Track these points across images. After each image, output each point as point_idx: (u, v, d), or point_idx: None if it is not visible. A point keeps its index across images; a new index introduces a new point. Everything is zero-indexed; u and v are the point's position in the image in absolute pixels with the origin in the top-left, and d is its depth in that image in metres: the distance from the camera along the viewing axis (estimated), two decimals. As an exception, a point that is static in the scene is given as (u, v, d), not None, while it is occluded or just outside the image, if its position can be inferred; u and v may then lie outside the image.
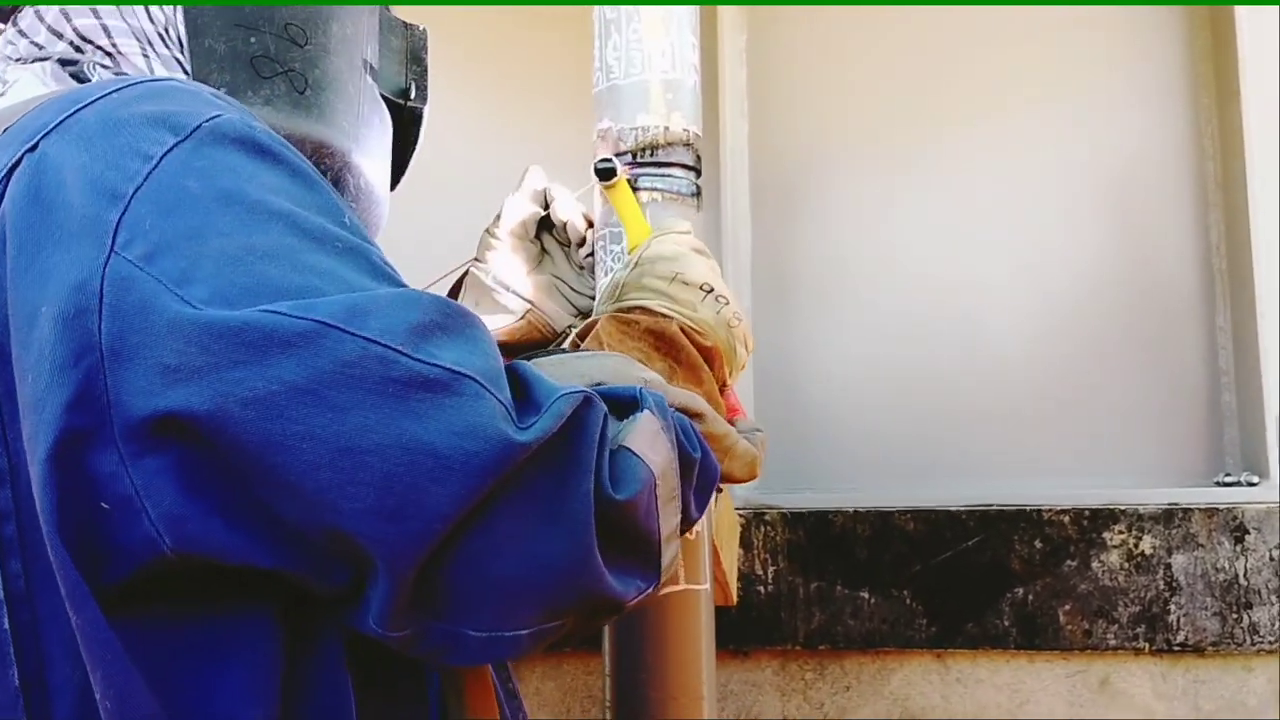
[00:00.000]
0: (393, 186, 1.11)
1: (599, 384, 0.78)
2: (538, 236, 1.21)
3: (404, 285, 0.70)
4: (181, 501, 0.62)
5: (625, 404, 0.74)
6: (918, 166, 1.93)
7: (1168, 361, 1.82)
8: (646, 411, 0.73)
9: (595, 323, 1.00)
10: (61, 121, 0.69)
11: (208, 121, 0.69)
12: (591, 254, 1.20)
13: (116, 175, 0.65)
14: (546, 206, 1.21)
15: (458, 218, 1.45)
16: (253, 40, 0.90)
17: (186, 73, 0.89)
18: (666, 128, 1.16)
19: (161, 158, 0.66)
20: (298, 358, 0.60)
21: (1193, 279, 1.84)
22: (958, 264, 1.90)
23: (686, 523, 0.78)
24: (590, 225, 1.21)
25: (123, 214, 0.64)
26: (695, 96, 1.19)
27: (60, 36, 0.88)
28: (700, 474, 0.79)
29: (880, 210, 1.94)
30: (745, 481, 0.97)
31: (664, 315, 1.00)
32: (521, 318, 1.20)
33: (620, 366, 0.85)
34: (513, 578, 0.64)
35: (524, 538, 0.64)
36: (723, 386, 1.03)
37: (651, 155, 1.16)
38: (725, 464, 0.90)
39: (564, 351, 0.91)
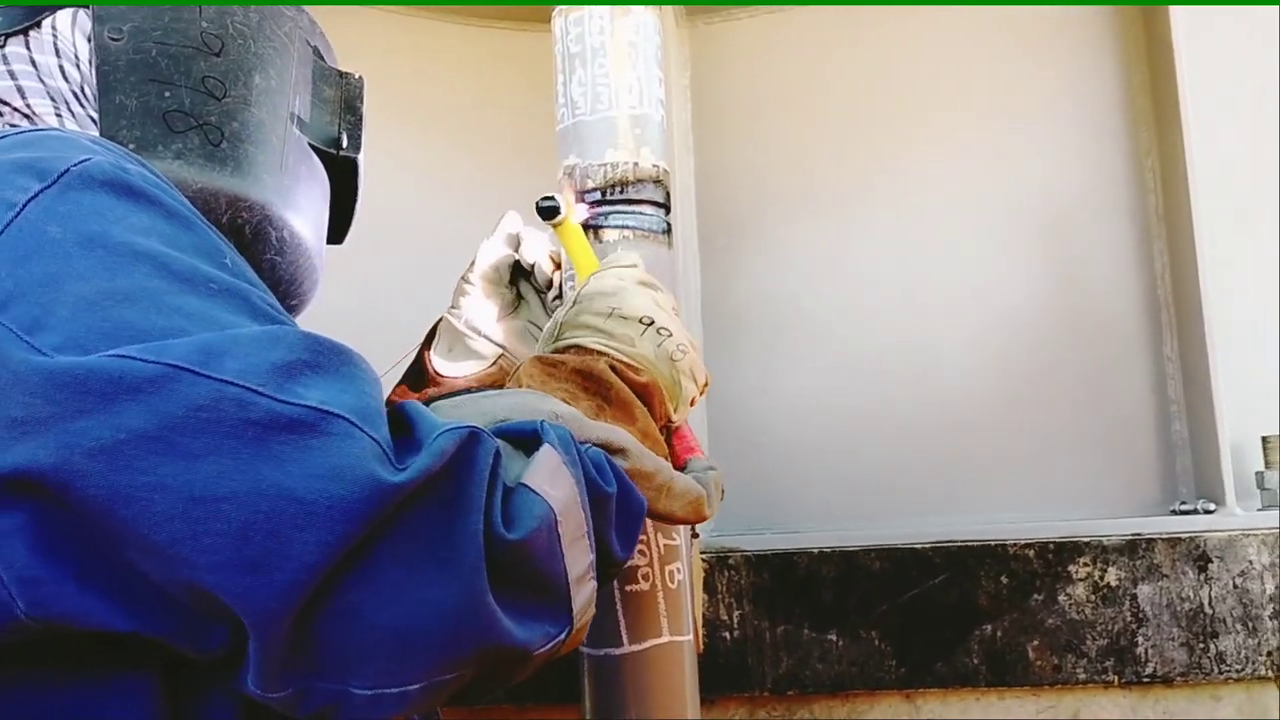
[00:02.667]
0: (340, 237, 1.08)
1: (503, 421, 0.75)
2: (514, 282, 1.18)
3: (286, 326, 0.66)
4: (34, 563, 0.58)
5: (527, 439, 0.72)
6: (865, 202, 1.94)
7: (1119, 392, 1.84)
8: (547, 446, 0.70)
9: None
10: None
11: (76, 165, 0.67)
12: (560, 296, 1.16)
13: None
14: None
15: (413, 267, 1.41)
16: (167, 95, 0.87)
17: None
18: (636, 164, 1.13)
19: (24, 205, 0.64)
20: (146, 404, 0.57)
21: (1139, 310, 1.86)
22: (909, 301, 1.90)
23: (610, 563, 0.75)
24: (558, 267, 1.17)
25: None
26: (662, 132, 1.17)
27: None
28: (620, 511, 0.76)
29: (829, 246, 1.93)
30: (691, 522, 0.92)
31: (597, 352, 0.96)
32: (493, 363, 1.15)
33: (530, 401, 0.81)
34: (397, 628, 0.60)
35: (407, 584, 0.60)
36: (665, 424, 0.99)
37: (621, 192, 1.13)
38: (663, 503, 0.86)
39: (469, 392, 0.86)
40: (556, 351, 0.97)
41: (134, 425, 0.57)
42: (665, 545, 1.11)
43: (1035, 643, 1.58)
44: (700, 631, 1.37)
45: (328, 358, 0.63)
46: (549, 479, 0.69)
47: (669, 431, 1.01)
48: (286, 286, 0.96)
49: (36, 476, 0.57)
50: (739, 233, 1.96)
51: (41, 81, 0.87)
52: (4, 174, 0.65)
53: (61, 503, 0.57)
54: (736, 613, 1.64)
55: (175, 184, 0.74)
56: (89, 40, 0.87)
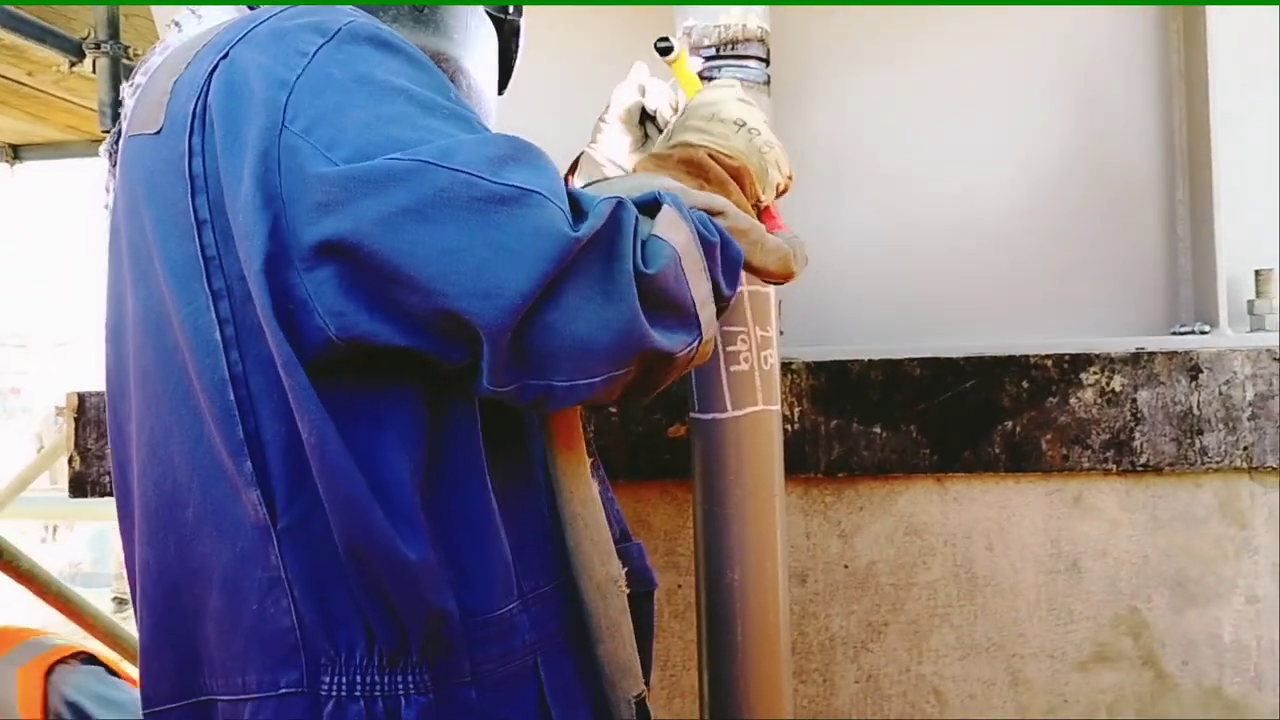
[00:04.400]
0: (502, 89, 1.35)
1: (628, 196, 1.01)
2: (642, 123, 1.44)
3: (495, 133, 0.95)
4: (339, 301, 0.88)
5: (651, 206, 0.98)
6: (912, 58, 2.16)
7: (1134, 231, 2.10)
8: (665, 206, 0.97)
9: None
10: (244, 35, 0.97)
11: (345, 25, 0.96)
12: (679, 133, 1.42)
13: (283, 68, 0.92)
14: None
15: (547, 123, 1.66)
16: None
17: None
18: (744, 25, 1.39)
19: (314, 54, 0.93)
20: (407, 187, 0.85)
21: (1157, 158, 2.11)
22: (949, 145, 2.15)
23: (720, 297, 1.01)
24: (676, 112, 1.43)
25: (289, 96, 0.91)
26: (765, -1, 1.42)
27: None
28: (724, 254, 1.01)
29: (881, 98, 2.17)
30: (782, 278, 1.15)
31: (698, 145, 1.20)
32: None
33: (646, 181, 1.07)
34: (581, 338, 0.88)
35: (585, 307, 0.88)
36: (756, 203, 1.23)
37: (731, 49, 1.39)
38: (758, 256, 1.11)
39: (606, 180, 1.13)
40: (665, 150, 1.23)
41: (400, 202, 0.85)
42: (761, 336, 1.41)
43: (1048, 437, 1.88)
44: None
45: (524, 152, 0.91)
46: (671, 229, 0.95)
47: (759, 211, 1.25)
48: None
49: (338, 240, 0.86)
50: (802, 84, 2.19)
51: None
52: (297, 32, 0.95)
53: (355, 259, 0.87)
54: (797, 409, 1.94)
55: None
56: None
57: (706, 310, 0.97)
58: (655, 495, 2.01)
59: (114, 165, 1.16)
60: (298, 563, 0.96)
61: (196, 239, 0.96)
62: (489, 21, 1.27)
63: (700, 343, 0.98)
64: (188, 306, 0.97)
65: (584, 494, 1.09)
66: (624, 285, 0.89)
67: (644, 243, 0.93)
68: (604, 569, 1.08)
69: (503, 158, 0.88)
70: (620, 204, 0.91)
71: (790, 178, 1.29)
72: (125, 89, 1.16)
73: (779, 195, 1.29)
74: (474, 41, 1.23)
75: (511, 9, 1.30)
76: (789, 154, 1.27)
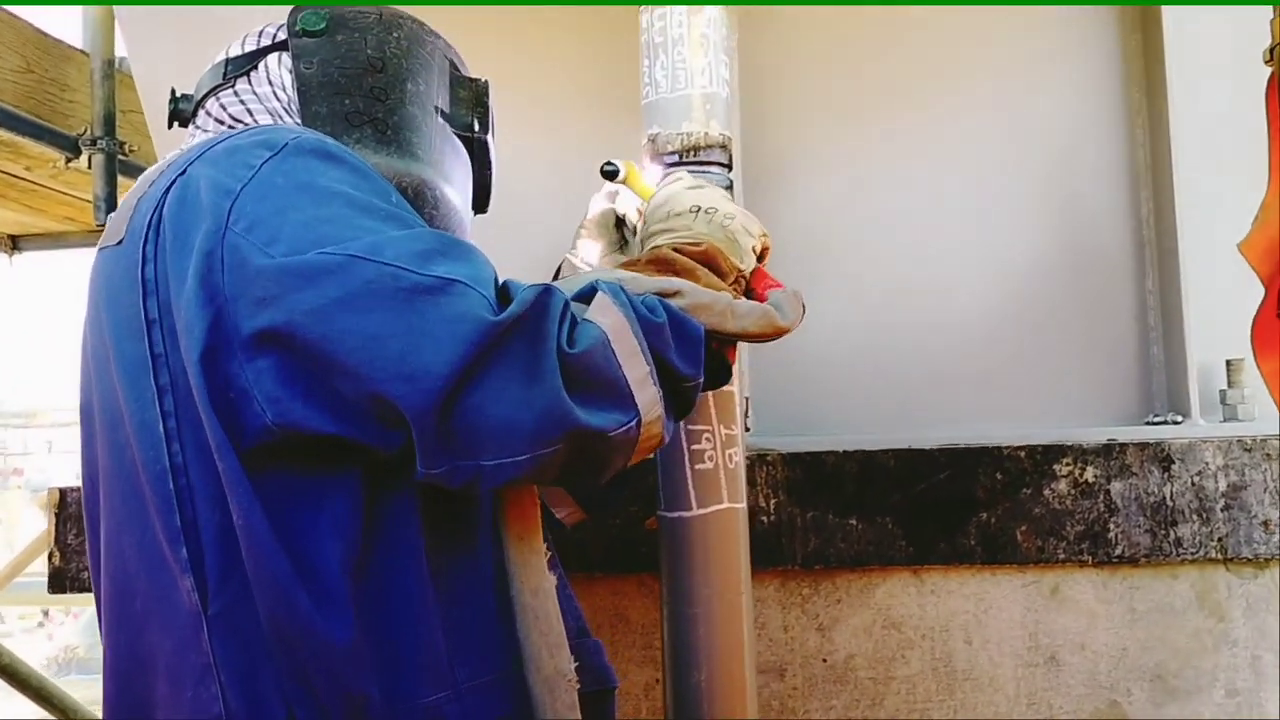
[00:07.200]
0: (483, 206, 1.41)
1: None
2: (619, 227, 1.47)
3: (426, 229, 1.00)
4: (276, 389, 0.94)
5: (588, 295, 1.02)
6: (886, 155, 2.21)
7: (1106, 321, 2.13)
8: (599, 292, 1.02)
9: None
10: (202, 154, 1.06)
11: (292, 140, 1.04)
12: (645, 238, 1.45)
13: (230, 179, 1.00)
14: None
15: (527, 221, 1.71)
16: (346, 102, 1.23)
17: None
18: (706, 133, 1.42)
19: (260, 166, 1.00)
20: (337, 280, 0.92)
21: (1127, 250, 2.14)
22: (924, 240, 2.19)
23: (678, 379, 1.03)
24: (640, 215, 1.46)
25: (233, 203, 0.98)
26: (727, 107, 1.45)
27: (222, 122, 1.24)
28: (676, 332, 1.04)
29: (856, 193, 2.22)
30: (768, 336, 1.16)
31: (661, 246, 1.23)
32: None
33: (596, 275, 1.10)
34: (504, 418, 0.91)
35: (508, 388, 0.91)
36: (739, 274, 1.25)
37: (694, 155, 1.42)
38: (732, 323, 1.13)
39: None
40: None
41: (330, 294, 0.91)
42: (726, 434, 1.42)
43: (1023, 528, 1.89)
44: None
45: (451, 246, 0.97)
46: (600, 313, 0.99)
47: (745, 279, 1.27)
48: None
49: (274, 330, 0.92)
50: (778, 181, 2.23)
51: (263, 104, 1.23)
52: (248, 149, 1.03)
53: (290, 348, 0.92)
54: (773, 501, 1.95)
55: None
56: (290, 72, 1.24)
57: (645, 392, 0.99)
58: (633, 588, 2.01)
59: None
60: (225, 649, 0.99)
61: (146, 338, 1.02)
62: (456, 141, 1.32)
63: (638, 422, 0.99)
64: (135, 402, 1.02)
65: (535, 584, 1.11)
66: (546, 366, 0.92)
67: (574, 325, 0.96)
68: (552, 661, 1.09)
69: (430, 252, 0.94)
70: (546, 290, 0.95)
71: (765, 235, 1.31)
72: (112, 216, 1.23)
73: (763, 255, 1.32)
74: (439, 159, 1.29)
75: (478, 127, 1.35)
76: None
